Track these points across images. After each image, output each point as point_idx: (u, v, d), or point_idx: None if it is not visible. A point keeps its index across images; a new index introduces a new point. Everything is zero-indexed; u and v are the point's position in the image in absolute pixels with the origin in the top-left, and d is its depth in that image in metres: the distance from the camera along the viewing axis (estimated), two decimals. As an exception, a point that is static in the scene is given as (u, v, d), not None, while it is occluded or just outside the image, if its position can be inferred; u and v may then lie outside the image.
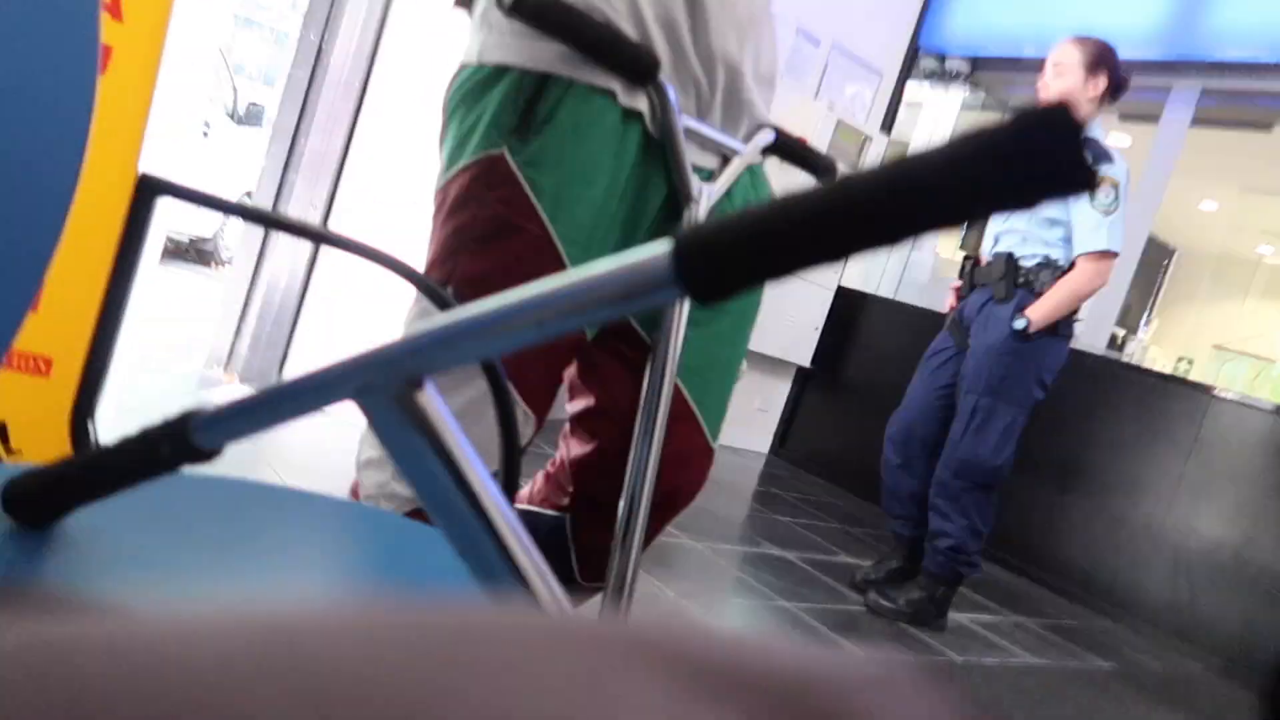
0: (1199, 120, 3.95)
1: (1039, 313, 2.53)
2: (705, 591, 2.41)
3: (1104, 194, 2.50)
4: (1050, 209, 2.53)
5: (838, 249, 0.32)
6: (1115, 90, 2.57)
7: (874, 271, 5.02)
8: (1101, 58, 2.54)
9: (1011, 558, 3.58)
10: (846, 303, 4.45)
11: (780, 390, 4.62)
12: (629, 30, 1.03)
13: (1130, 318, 7.23)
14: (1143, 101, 4.16)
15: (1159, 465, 3.34)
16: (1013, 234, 2.62)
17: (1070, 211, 2.54)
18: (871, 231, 0.32)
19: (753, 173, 1.22)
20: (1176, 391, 3.46)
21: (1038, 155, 0.29)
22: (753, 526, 3.24)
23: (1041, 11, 4.06)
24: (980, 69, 4.55)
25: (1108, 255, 2.50)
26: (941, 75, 4.60)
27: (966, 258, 2.75)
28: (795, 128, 4.12)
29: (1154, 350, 7.49)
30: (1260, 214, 7.24)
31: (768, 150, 1.22)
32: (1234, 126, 4.42)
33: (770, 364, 4.41)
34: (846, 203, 0.32)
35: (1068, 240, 2.56)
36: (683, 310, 1.10)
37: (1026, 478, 3.59)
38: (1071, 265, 2.54)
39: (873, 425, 3.17)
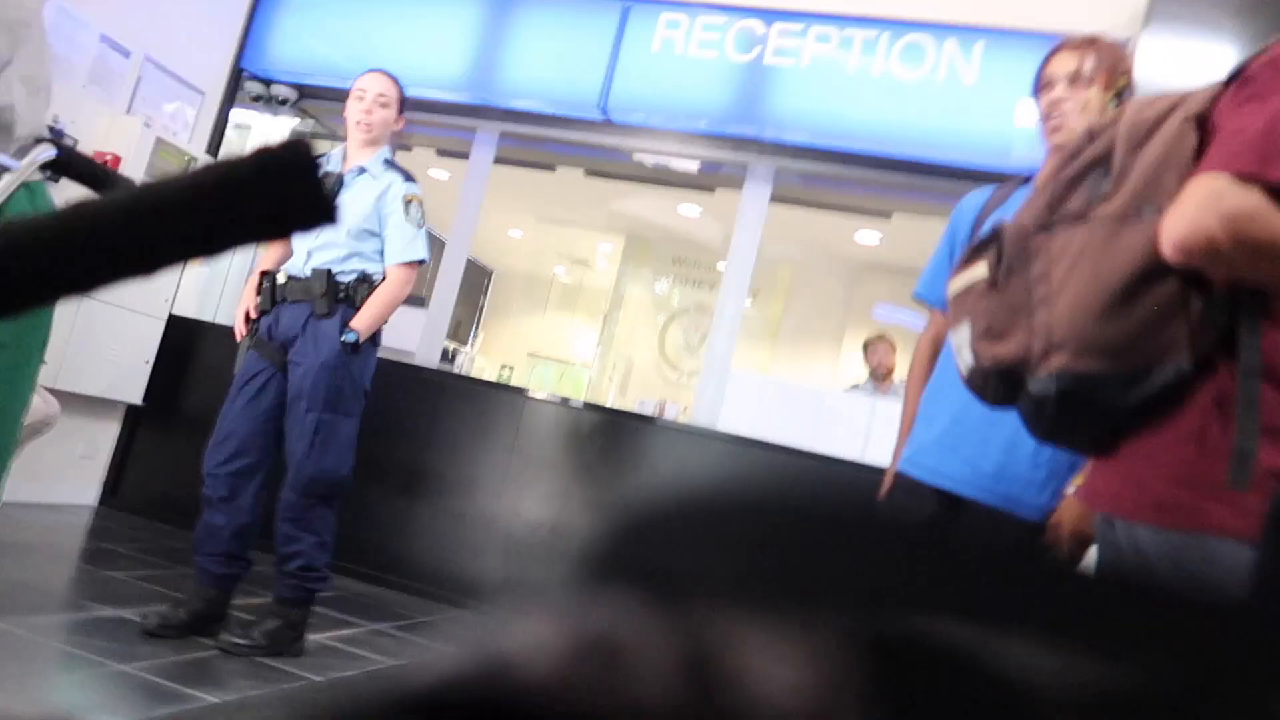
0: (501, 159, 4.51)
1: (364, 324, 2.65)
2: (17, 676, 2.04)
3: (415, 210, 2.75)
4: (366, 221, 2.68)
5: (81, 280, 0.30)
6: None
7: (210, 296, 4.76)
8: (404, 98, 2.87)
9: (365, 568, 3.69)
10: (181, 332, 4.14)
11: (108, 433, 4.12)
12: None
13: (460, 332, 7.94)
14: (455, 139, 4.62)
15: (489, 462, 3.74)
16: (329, 248, 2.69)
17: (385, 225, 2.73)
18: (125, 260, 0.30)
19: (31, 190, 1.07)
20: (499, 395, 3.91)
21: (279, 189, 0.30)
22: (80, 590, 2.84)
23: (363, 47, 4.24)
24: (308, 97, 4.59)
25: (416, 264, 2.75)
26: (269, 99, 4.54)
27: (264, 274, 2.74)
28: (109, 145, 3.72)
29: (481, 360, 8.33)
30: (554, 240, 8.51)
31: (52, 167, 1.07)
32: (528, 166, 5.14)
33: (93, 405, 3.90)
34: (91, 229, 0.30)
35: (381, 253, 2.73)
36: None
37: (375, 488, 3.74)
38: (383, 277, 2.71)
39: (219, 458, 3.00)
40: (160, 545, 3.60)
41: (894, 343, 5.19)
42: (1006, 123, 3.52)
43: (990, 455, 1.71)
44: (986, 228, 1.86)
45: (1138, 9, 3.41)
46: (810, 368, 7.61)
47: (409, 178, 2.79)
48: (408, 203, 2.75)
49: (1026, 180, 1.90)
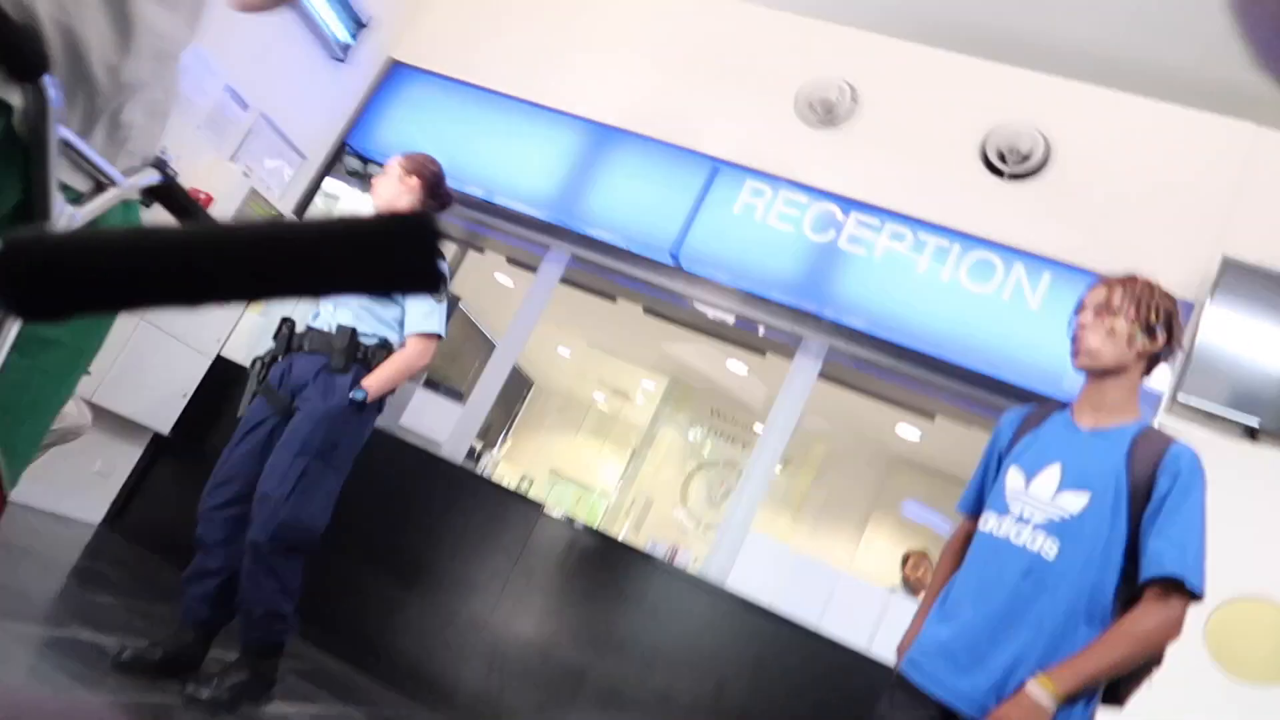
0: (567, 279, 4.64)
1: (376, 383, 2.67)
2: (-17, 681, 2.02)
3: None
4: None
5: (194, 292, 0.32)
6: (441, 205, 2.98)
7: (261, 344, 4.87)
8: (428, 176, 2.91)
9: (346, 647, 3.62)
10: (224, 373, 4.22)
11: (128, 456, 4.16)
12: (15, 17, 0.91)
13: (490, 435, 7.99)
14: (528, 251, 4.78)
15: (491, 568, 3.70)
16: (347, 307, 2.73)
17: (403, 297, 2.73)
18: (232, 283, 0.32)
19: (127, 208, 1.12)
20: (515, 505, 3.90)
21: (400, 251, 0.33)
22: (65, 606, 2.82)
23: (460, 147, 4.46)
24: (400, 181, 4.81)
25: (435, 337, 2.78)
26: (363, 176, 4.76)
27: (284, 320, 2.81)
28: (206, 185, 3.90)
29: (504, 466, 8.34)
30: (599, 367, 8.62)
31: (150, 192, 1.13)
32: (592, 292, 5.27)
33: (122, 425, 3.96)
34: (213, 248, 0.32)
35: (400, 323, 2.78)
36: (9, 330, 0.94)
37: (371, 569, 3.70)
38: (402, 344, 2.75)
39: (228, 506, 3.02)
40: (153, 578, 3.58)
41: (932, 560, 5.12)
42: (1062, 352, 3.56)
43: (992, 672, 1.69)
44: (1020, 444, 1.90)
45: (1207, 276, 3.48)
46: (829, 547, 7.49)
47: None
48: None
49: (1064, 406, 1.94)
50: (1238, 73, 3.80)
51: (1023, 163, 3.92)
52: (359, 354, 2.70)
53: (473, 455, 6.13)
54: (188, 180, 3.85)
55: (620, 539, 3.89)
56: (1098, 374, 1.86)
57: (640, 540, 7.15)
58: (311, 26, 4.28)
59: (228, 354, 4.30)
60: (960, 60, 4.19)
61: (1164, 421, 3.37)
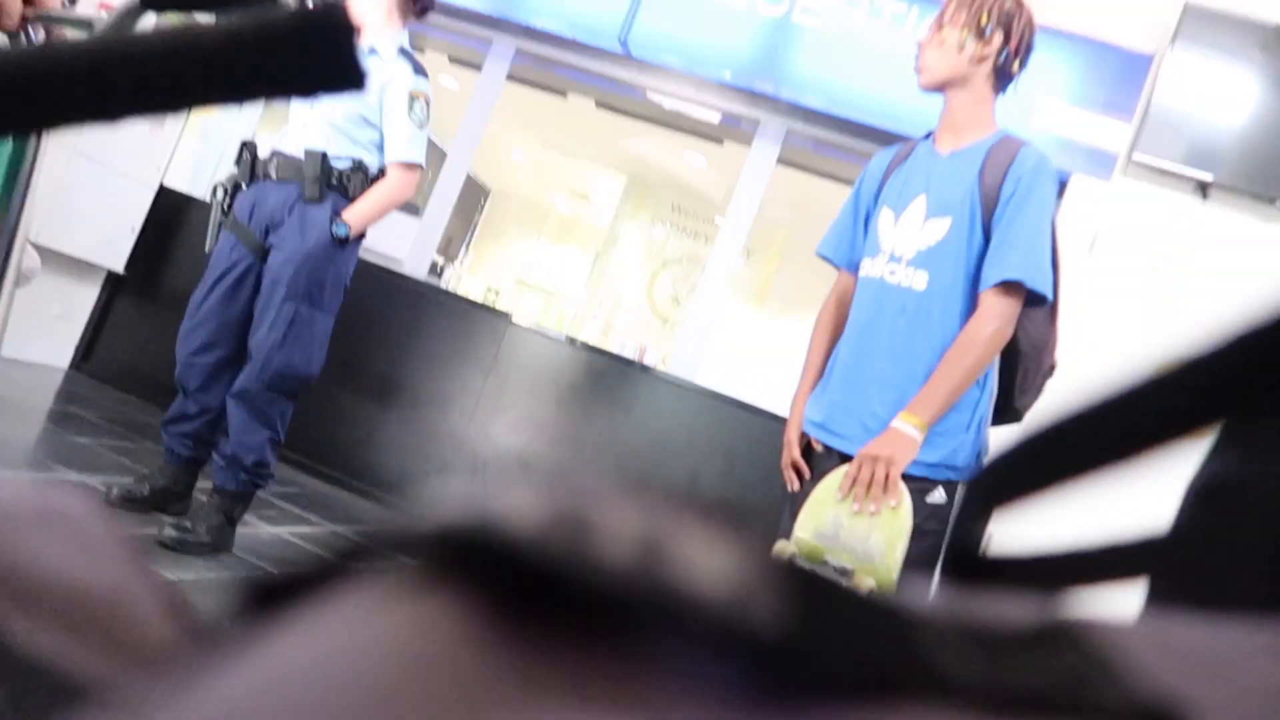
0: (514, 77, 4.45)
1: (357, 217, 2.50)
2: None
3: (420, 107, 2.56)
4: (364, 108, 2.50)
5: (107, 108, 0.31)
6: (422, 10, 2.69)
7: (204, 171, 4.71)
8: None
9: (330, 469, 3.73)
10: (170, 204, 4.10)
11: (86, 297, 4.09)
12: None
13: (451, 248, 7.91)
14: (469, 48, 4.55)
15: (464, 382, 3.76)
16: (320, 128, 2.51)
17: (385, 118, 2.54)
18: (140, 95, 0.31)
19: None
20: (483, 317, 3.92)
21: (314, 49, 0.31)
22: (46, 450, 2.85)
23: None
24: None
25: (418, 167, 2.58)
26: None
27: (245, 145, 2.60)
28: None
29: (468, 279, 8.31)
30: (556, 169, 8.45)
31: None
32: (540, 88, 5.08)
33: (74, 266, 3.87)
34: (122, 57, 0.30)
35: (380, 146, 2.56)
36: None
37: (348, 390, 3.75)
38: (381, 172, 2.55)
39: (194, 337, 3.00)
40: (128, 417, 3.61)
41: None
42: (1026, 114, 3.52)
43: (881, 415, 1.73)
44: (889, 183, 1.90)
45: (1168, 26, 3.40)
46: (797, 333, 7.65)
47: (420, 70, 2.60)
48: (413, 98, 2.55)
49: (927, 137, 1.93)
50: None
51: (981, -84, 3.72)
52: (333, 180, 2.50)
53: (436, 270, 6.09)
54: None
55: (590, 343, 3.94)
56: (942, 89, 1.84)
57: (610, 343, 7.27)
58: None
59: (170, 183, 4.16)
60: None
61: (1120, 182, 3.38)
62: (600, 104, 5.19)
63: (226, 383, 2.51)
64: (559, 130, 7.21)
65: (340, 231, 2.48)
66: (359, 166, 2.53)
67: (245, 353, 2.50)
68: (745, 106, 4.05)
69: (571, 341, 3.88)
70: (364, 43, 2.56)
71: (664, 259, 8.26)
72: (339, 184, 2.51)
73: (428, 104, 2.60)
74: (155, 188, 4.04)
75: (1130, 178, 3.38)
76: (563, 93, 5.12)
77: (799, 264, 7.86)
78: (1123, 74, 3.46)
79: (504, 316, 3.90)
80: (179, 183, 4.31)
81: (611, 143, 7.03)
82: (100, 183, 3.75)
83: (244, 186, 2.58)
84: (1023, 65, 1.85)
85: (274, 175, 2.53)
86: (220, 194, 2.62)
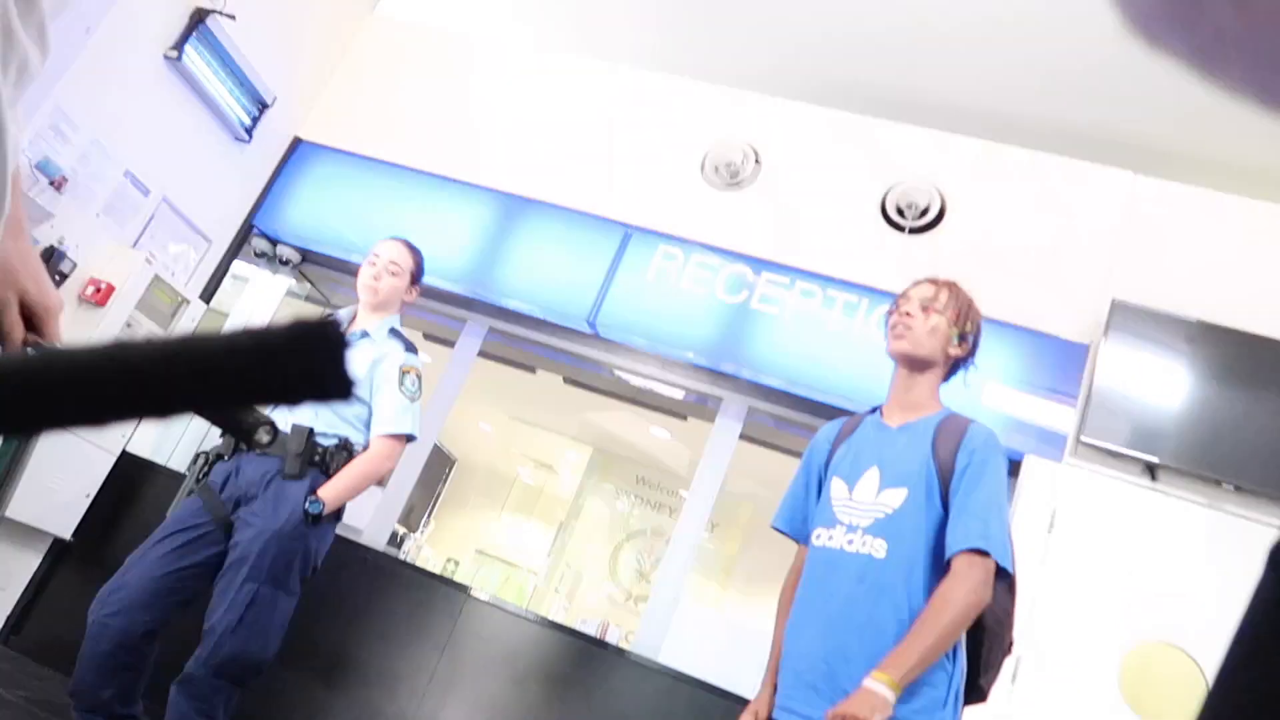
0: (485, 353, 4.61)
1: (333, 494, 2.44)
2: None
3: (411, 381, 2.60)
4: (357, 387, 2.56)
5: (104, 412, 0.32)
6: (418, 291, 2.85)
7: (168, 439, 4.70)
8: (421, 270, 2.82)
9: (265, 756, 3.43)
10: (130, 470, 4.05)
11: (25, 565, 3.93)
12: None
13: (412, 518, 7.80)
14: (444, 326, 4.74)
15: (418, 659, 3.58)
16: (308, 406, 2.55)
17: (375, 393, 2.57)
18: (138, 401, 0.32)
19: None
20: (441, 590, 3.79)
21: (306, 360, 0.33)
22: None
23: (371, 223, 4.43)
24: (310, 261, 4.74)
25: (404, 438, 2.57)
26: (272, 258, 4.68)
27: None
28: (106, 273, 3.80)
29: (428, 550, 8.13)
30: (522, 440, 8.54)
31: None
32: (510, 364, 5.25)
33: (17, 532, 3.75)
34: (121, 365, 0.32)
35: (366, 423, 2.56)
36: None
37: (294, 671, 3.54)
38: (365, 448, 2.53)
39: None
40: (52, 699, 3.35)
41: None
42: (974, 398, 3.67)
43: (849, 690, 1.67)
44: (838, 455, 1.95)
45: (1099, 319, 3.65)
46: (761, 611, 7.46)
47: (410, 348, 2.69)
48: (404, 373, 2.60)
49: (873, 411, 2.02)
50: (1114, 123, 4.04)
51: (921, 216, 4.07)
52: (315, 457, 2.46)
53: (395, 540, 5.96)
54: (87, 270, 3.74)
55: (550, 618, 3.81)
56: (910, 366, 1.94)
57: (572, 618, 7.02)
58: (213, 109, 4.24)
59: (133, 449, 4.13)
60: (856, 120, 4.36)
61: (1071, 463, 3.47)
62: (568, 380, 5.35)
63: (144, 656, 2.31)
64: (527, 403, 7.37)
65: (313, 509, 2.40)
66: (344, 444, 2.51)
67: (166, 629, 2.34)
68: (708, 385, 4.20)
69: (531, 617, 3.74)
70: (356, 328, 2.68)
71: (628, 531, 8.18)
72: (321, 461, 2.47)
73: (419, 378, 2.65)
74: (117, 454, 4.01)
75: (1081, 459, 3.48)
76: (532, 368, 5.28)
77: (764, 540, 7.81)
78: (1064, 361, 3.66)
79: (462, 589, 3.78)
80: (142, 448, 4.29)
81: (578, 416, 7.17)
82: (62, 447, 3.72)
83: (225, 457, 2.53)
84: (970, 363, 2.00)
85: (257, 448, 2.48)
86: (201, 462, 2.57)
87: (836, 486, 1.90)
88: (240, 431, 2.22)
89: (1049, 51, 3.86)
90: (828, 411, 3.95)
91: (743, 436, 4.20)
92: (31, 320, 1.13)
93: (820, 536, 1.87)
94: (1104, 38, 3.99)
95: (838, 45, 4.36)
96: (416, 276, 2.80)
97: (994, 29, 3.91)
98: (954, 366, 1.97)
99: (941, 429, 1.86)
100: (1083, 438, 3.43)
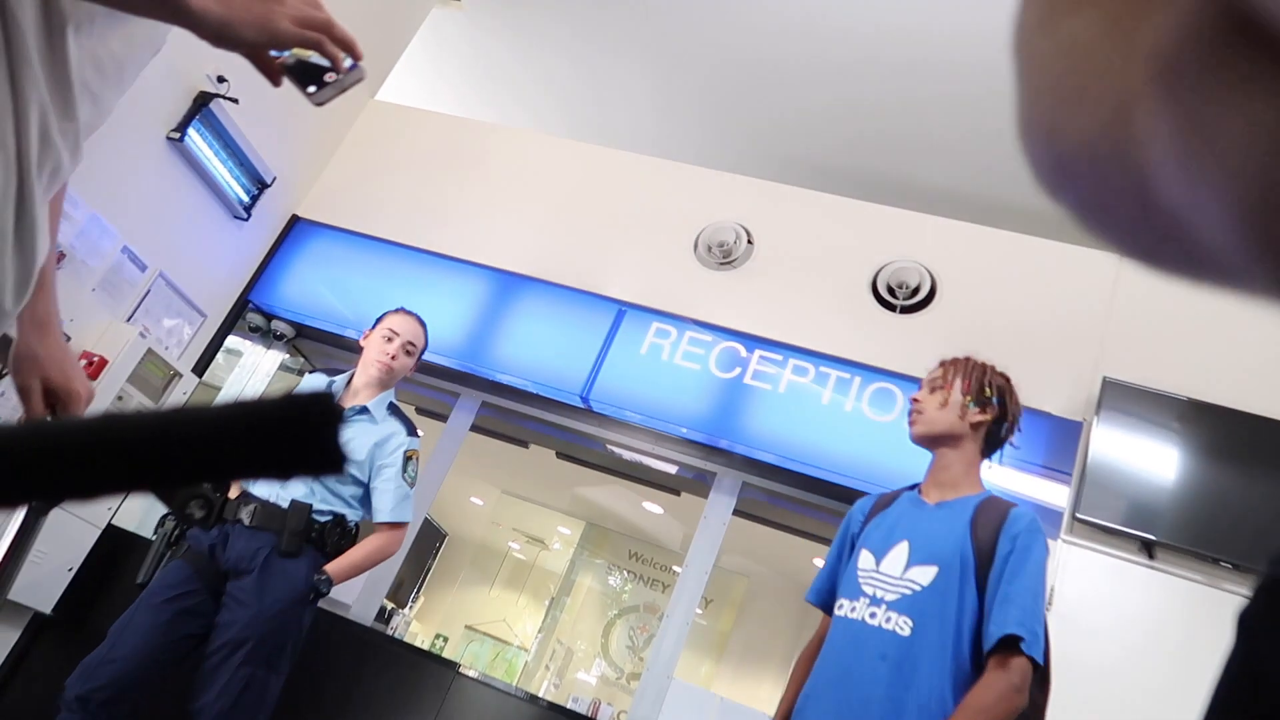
0: (478, 427, 4.60)
1: (342, 574, 2.39)
2: None
3: (413, 468, 2.57)
4: (354, 465, 2.46)
5: (93, 486, 0.32)
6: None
7: (154, 513, 4.64)
8: (426, 347, 2.85)
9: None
10: (115, 544, 4.00)
11: (4, 640, 3.85)
12: None
13: (401, 593, 7.68)
14: (436, 400, 4.74)
15: (402, 740, 3.49)
16: (302, 482, 2.42)
17: (377, 475, 2.53)
18: (132, 476, 0.32)
19: None
20: (428, 666, 3.72)
21: (300, 435, 0.32)
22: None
23: (367, 299, 4.46)
24: (304, 336, 4.76)
25: (405, 526, 2.59)
26: (266, 333, 4.70)
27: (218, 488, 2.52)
28: (100, 347, 3.80)
29: (416, 625, 7.98)
30: (513, 514, 8.47)
31: None
32: (503, 439, 5.23)
33: None
34: (110, 440, 0.32)
35: (361, 501, 2.53)
36: None
37: (276, 753, 3.44)
38: (356, 527, 2.51)
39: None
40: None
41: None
42: (966, 476, 3.66)
43: None
44: (870, 527, 1.92)
45: (1091, 397, 3.67)
46: (755, 688, 7.31)
47: (412, 430, 2.65)
48: (408, 459, 2.57)
49: (912, 487, 1.98)
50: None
51: (912, 296, 4.12)
52: (313, 534, 2.41)
53: (383, 615, 5.86)
54: (81, 343, 3.74)
55: (540, 696, 3.73)
56: (935, 445, 1.93)
57: (563, 696, 6.87)
58: (214, 188, 4.30)
59: (119, 522, 4.09)
60: (847, 203, 4.44)
61: (1066, 539, 3.46)
62: (561, 454, 5.34)
63: None
64: (519, 477, 7.33)
65: (324, 588, 2.37)
66: (339, 521, 2.47)
67: (148, 703, 2.26)
68: (702, 460, 4.19)
69: (522, 695, 3.66)
70: (352, 399, 2.64)
71: (620, 607, 8.06)
72: (318, 538, 2.42)
73: (417, 464, 2.64)
74: (102, 528, 3.96)
75: (1077, 536, 3.46)
76: (525, 443, 5.27)
77: (758, 616, 7.70)
78: (1057, 439, 3.66)
79: (451, 666, 3.71)
80: (129, 521, 4.24)
81: (570, 491, 7.13)
82: (45, 520, 3.67)
83: (204, 525, 2.44)
84: (1011, 435, 1.98)
85: (246, 521, 2.41)
86: (169, 526, 2.51)
87: (864, 558, 1.87)
88: (173, 505, 2.22)
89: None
90: (821, 487, 3.94)
91: (736, 512, 4.18)
92: (56, 408, 1.19)
93: (843, 607, 1.84)
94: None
95: (831, 134, 4.47)
96: (421, 355, 2.81)
97: (983, 122, 4.02)
98: (990, 437, 1.95)
99: (981, 510, 1.83)
100: (1078, 514, 3.42)
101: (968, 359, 2.02)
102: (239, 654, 2.25)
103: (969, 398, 1.93)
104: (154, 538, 2.53)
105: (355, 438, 2.52)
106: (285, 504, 2.45)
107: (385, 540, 2.52)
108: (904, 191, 4.43)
